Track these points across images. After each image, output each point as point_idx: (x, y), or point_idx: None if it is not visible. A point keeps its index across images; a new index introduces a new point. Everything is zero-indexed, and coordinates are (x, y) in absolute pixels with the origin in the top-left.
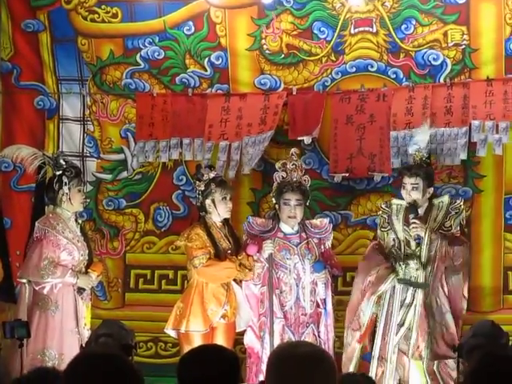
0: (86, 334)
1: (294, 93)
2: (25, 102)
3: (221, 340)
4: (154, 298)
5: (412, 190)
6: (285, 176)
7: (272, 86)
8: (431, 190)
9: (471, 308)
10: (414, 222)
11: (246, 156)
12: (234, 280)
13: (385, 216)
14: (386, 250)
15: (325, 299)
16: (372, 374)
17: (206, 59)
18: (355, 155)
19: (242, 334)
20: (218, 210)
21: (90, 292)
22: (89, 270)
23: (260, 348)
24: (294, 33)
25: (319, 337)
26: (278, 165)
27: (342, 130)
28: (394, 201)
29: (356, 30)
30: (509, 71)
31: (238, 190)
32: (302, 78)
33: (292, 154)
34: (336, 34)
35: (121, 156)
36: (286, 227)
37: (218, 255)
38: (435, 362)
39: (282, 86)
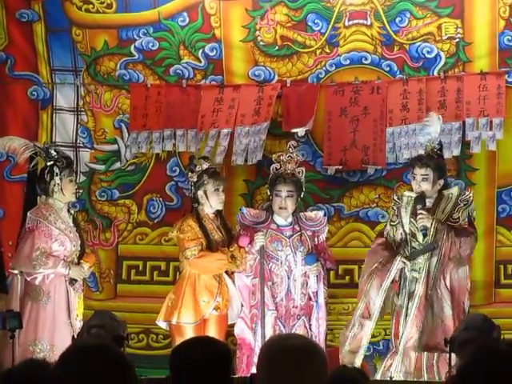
0: (78, 325)
1: (288, 85)
2: (18, 92)
3: (213, 332)
4: (146, 290)
5: (422, 181)
6: (278, 167)
7: (266, 77)
8: (441, 181)
9: None
10: (421, 213)
11: (238, 146)
12: (226, 272)
13: (395, 208)
14: (395, 245)
15: (317, 292)
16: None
17: (201, 50)
18: (349, 147)
19: (234, 326)
20: (210, 202)
21: (82, 283)
22: (81, 261)
23: (252, 340)
24: (289, 25)
25: (310, 329)
26: (274, 156)
27: (336, 122)
28: (406, 193)
29: (350, 23)
30: (502, 65)
31: (231, 182)
32: (296, 70)
33: (289, 147)
34: (330, 27)
35: (114, 147)
36: (279, 219)
37: (210, 247)
38: (435, 355)
39: (276, 77)
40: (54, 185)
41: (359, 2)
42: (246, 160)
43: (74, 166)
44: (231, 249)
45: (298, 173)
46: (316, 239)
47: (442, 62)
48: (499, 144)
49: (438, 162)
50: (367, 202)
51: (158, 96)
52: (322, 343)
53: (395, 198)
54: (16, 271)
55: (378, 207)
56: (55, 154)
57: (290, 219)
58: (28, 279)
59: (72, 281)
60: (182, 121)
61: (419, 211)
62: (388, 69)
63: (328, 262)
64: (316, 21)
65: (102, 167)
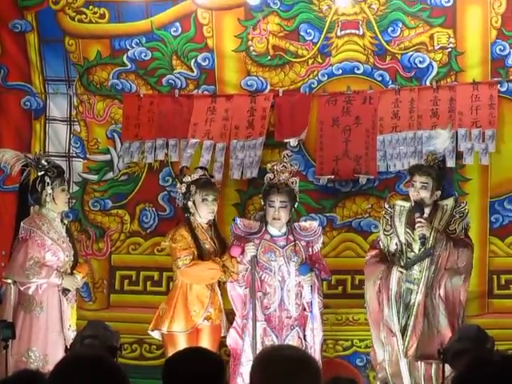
0: (72, 335)
1: (281, 94)
2: (11, 102)
3: (206, 342)
4: (138, 300)
5: (421, 189)
6: (272, 178)
7: (258, 87)
8: (439, 193)
9: None
10: (420, 221)
11: (235, 161)
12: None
13: (387, 217)
14: (389, 256)
15: (311, 302)
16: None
17: (193, 60)
18: (341, 157)
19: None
20: (199, 212)
21: (75, 293)
22: (74, 271)
23: (240, 350)
24: (281, 34)
25: (305, 340)
26: (268, 166)
27: (328, 131)
28: (398, 202)
29: (342, 33)
30: (494, 75)
31: (223, 192)
32: (289, 80)
33: (284, 156)
34: (322, 36)
35: (107, 157)
36: (273, 229)
37: (202, 257)
38: (433, 366)
39: (269, 87)
40: (46, 195)
41: (351, 12)
42: (242, 173)
43: (66, 175)
44: (223, 258)
45: (292, 183)
46: (310, 249)
47: (435, 72)
48: (492, 154)
49: (438, 173)
50: (360, 212)
51: (150, 106)
52: (317, 353)
53: (386, 206)
54: (9, 281)
55: (371, 217)
56: (46, 163)
57: (283, 229)
58: (21, 289)
59: (65, 291)
60: (175, 131)
61: (418, 219)
62: (380, 78)
63: (323, 272)
64: (308, 30)
65: (94, 177)
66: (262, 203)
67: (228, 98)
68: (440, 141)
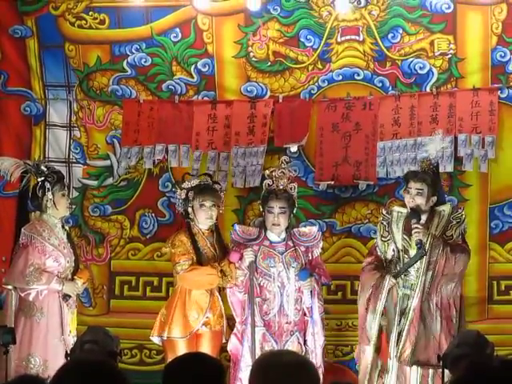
0: (72, 340)
1: (281, 100)
2: (11, 107)
3: (206, 348)
4: (138, 305)
5: (416, 195)
6: (271, 183)
7: (258, 93)
8: (435, 198)
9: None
10: (417, 227)
11: (236, 168)
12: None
13: (385, 223)
14: (385, 263)
15: (311, 307)
16: None
17: (193, 66)
18: (340, 163)
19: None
20: (198, 218)
21: (75, 299)
22: (75, 277)
23: (240, 355)
24: (281, 40)
25: (305, 345)
26: (266, 172)
27: (328, 137)
28: (396, 208)
29: (343, 39)
30: (495, 81)
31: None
32: (289, 86)
33: (282, 162)
34: (323, 42)
35: (107, 162)
36: (272, 235)
37: (201, 262)
38: (430, 371)
39: (269, 93)
40: (47, 200)
41: (352, 18)
42: (245, 181)
43: (66, 180)
44: (221, 264)
45: (291, 189)
46: (310, 254)
47: (435, 78)
48: (492, 160)
49: (433, 179)
50: (359, 217)
51: (150, 112)
52: (319, 358)
53: (384, 212)
54: (10, 287)
55: (371, 223)
56: (46, 169)
57: (283, 235)
58: (22, 295)
59: (66, 297)
60: (175, 136)
61: (414, 225)
62: (380, 84)
63: (323, 277)
64: (308, 36)
65: (94, 183)
66: (261, 209)
67: (228, 104)
68: (433, 146)
